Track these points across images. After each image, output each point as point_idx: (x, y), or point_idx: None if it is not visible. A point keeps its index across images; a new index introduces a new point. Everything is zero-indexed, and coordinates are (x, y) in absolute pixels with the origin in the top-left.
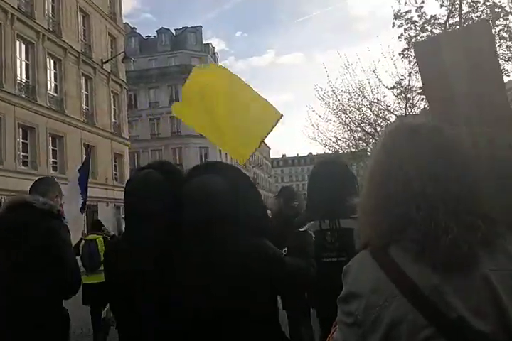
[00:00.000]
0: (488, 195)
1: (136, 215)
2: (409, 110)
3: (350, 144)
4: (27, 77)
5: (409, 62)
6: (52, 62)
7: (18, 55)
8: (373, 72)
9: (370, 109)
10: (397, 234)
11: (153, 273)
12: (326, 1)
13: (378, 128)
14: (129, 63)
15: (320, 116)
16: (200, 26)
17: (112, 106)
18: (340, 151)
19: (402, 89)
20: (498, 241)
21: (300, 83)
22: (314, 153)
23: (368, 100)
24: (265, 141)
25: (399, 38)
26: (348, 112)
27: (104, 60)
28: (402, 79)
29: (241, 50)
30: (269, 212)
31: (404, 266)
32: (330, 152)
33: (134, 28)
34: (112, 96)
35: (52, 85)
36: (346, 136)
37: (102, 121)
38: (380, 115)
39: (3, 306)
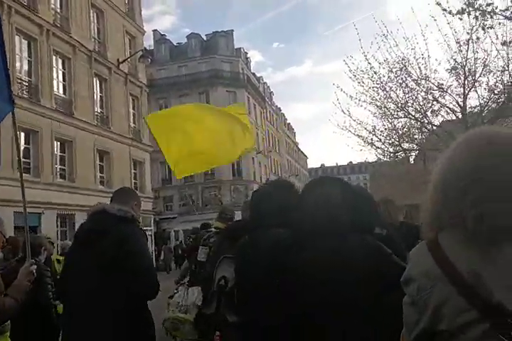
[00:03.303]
0: None
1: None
2: (470, 87)
3: (392, 135)
4: (29, 75)
5: (475, 17)
6: (60, 60)
7: (18, 51)
8: (422, 35)
9: (419, 87)
10: (445, 222)
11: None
12: (362, 9)
13: (428, 114)
14: (159, 70)
15: (351, 97)
16: (232, 30)
17: (131, 110)
18: (379, 144)
19: (457, 63)
20: None
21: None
22: (355, 162)
23: (412, 76)
24: (303, 150)
25: None
26: (388, 90)
27: (120, 60)
28: (459, 47)
29: (278, 61)
30: None
31: (449, 251)
32: (365, 147)
33: (164, 34)
34: (130, 99)
35: (60, 85)
36: (388, 125)
37: (118, 126)
38: (430, 95)
39: (88, 309)
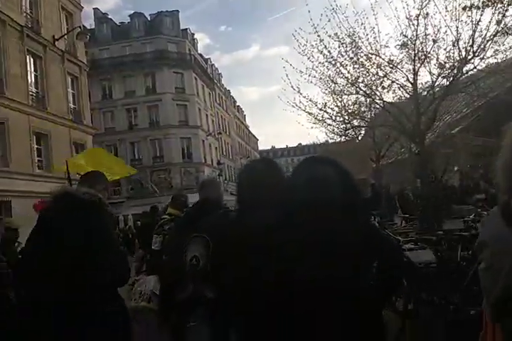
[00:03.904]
0: None
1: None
2: (420, 63)
3: (343, 113)
4: None
5: None
6: None
7: None
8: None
9: (369, 62)
10: None
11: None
12: None
13: (379, 89)
14: (101, 51)
15: (301, 72)
16: (177, 10)
17: (70, 90)
18: (329, 121)
19: (408, 38)
20: None
21: (288, 74)
22: (304, 144)
23: (363, 52)
24: (253, 132)
25: None
26: (339, 65)
27: (56, 37)
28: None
29: (226, 44)
30: None
31: None
32: (316, 124)
33: (105, 13)
34: (69, 79)
35: None
36: (338, 103)
37: (56, 107)
38: (381, 71)
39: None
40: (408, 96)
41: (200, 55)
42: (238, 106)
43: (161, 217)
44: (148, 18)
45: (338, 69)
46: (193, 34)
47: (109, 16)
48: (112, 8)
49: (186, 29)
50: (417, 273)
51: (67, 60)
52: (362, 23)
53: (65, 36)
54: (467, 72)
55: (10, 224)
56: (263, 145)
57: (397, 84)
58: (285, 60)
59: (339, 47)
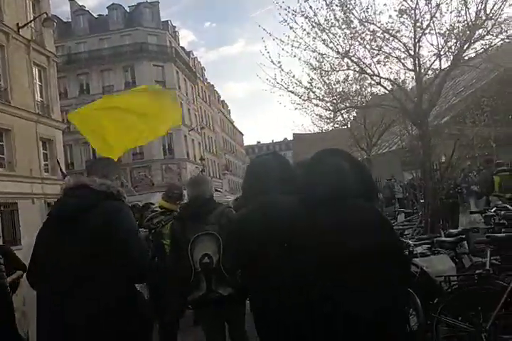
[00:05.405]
0: None
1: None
2: (420, 34)
3: (333, 92)
4: None
5: None
6: None
7: None
8: None
9: (364, 27)
10: None
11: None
12: None
13: (374, 63)
14: (78, 44)
15: (282, 42)
16: (157, 2)
17: (37, 83)
18: (316, 102)
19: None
20: None
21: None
22: (290, 138)
23: (356, 17)
24: (238, 128)
25: None
26: (327, 32)
27: (20, 25)
28: None
29: (211, 40)
30: None
31: None
32: (300, 104)
33: (82, 5)
34: (36, 70)
35: None
36: (326, 81)
37: (20, 100)
38: (375, 43)
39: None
40: (408, 70)
41: (182, 47)
42: (223, 101)
43: (153, 209)
44: (128, 10)
45: (326, 39)
46: (174, 27)
47: (87, 9)
48: (95, 5)
49: (167, 21)
50: (435, 290)
51: (33, 49)
52: None
53: (31, 24)
54: (478, 40)
55: None
56: (249, 140)
57: (395, 57)
58: (262, 28)
59: (327, 10)
